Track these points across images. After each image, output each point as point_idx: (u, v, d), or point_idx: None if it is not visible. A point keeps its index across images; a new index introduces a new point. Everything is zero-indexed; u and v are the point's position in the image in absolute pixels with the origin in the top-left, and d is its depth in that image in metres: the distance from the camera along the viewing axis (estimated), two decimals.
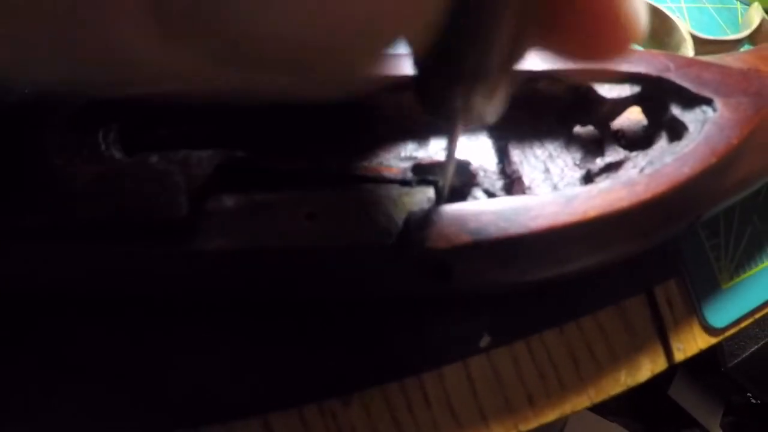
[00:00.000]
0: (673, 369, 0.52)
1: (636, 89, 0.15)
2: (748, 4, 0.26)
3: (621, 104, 0.16)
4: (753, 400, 0.38)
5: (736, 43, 0.21)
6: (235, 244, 0.12)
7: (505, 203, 0.12)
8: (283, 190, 0.13)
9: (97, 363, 0.16)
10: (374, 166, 0.13)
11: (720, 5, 0.26)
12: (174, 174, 0.13)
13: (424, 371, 0.16)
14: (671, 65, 0.16)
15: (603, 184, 0.13)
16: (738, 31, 0.25)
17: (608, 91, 0.15)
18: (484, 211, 0.12)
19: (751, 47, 0.23)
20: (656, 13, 0.20)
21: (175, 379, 0.15)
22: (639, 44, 0.21)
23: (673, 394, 0.39)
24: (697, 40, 0.19)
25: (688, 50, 0.19)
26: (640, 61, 0.16)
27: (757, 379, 0.36)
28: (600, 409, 0.44)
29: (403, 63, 0.14)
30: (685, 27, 0.19)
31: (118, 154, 0.15)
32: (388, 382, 0.16)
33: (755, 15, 0.22)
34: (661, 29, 0.19)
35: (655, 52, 0.16)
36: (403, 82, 0.14)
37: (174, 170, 0.13)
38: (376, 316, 0.16)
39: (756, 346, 0.33)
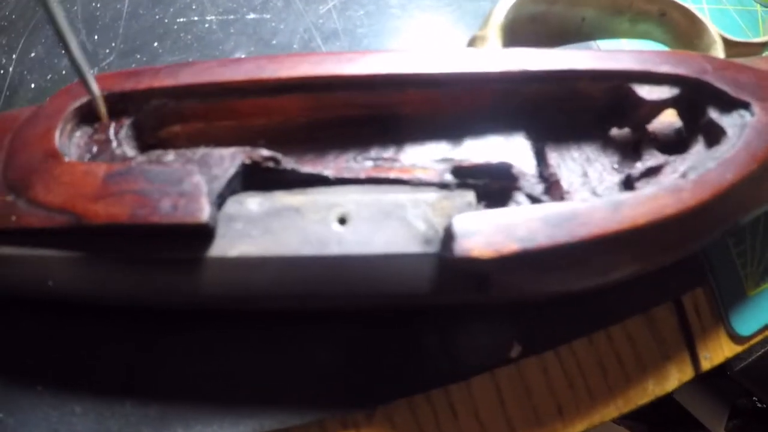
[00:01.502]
0: None
1: (675, 91, 0.15)
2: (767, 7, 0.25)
3: (659, 106, 0.15)
4: (759, 404, 0.38)
5: (763, 46, 0.21)
6: (260, 250, 0.12)
7: (552, 209, 0.11)
8: (311, 191, 0.12)
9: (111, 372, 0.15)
10: (408, 168, 0.13)
11: (740, 7, 0.26)
12: (193, 174, 0.12)
13: (451, 382, 0.15)
14: (709, 67, 0.15)
15: (648, 190, 0.12)
16: (759, 33, 0.25)
17: (648, 92, 0.14)
18: (530, 218, 0.11)
19: None
20: (686, 15, 0.19)
21: (206, 387, 0.14)
22: (668, 45, 0.20)
23: (678, 396, 0.39)
24: (727, 42, 0.19)
25: (719, 52, 0.19)
26: (679, 62, 0.15)
27: (763, 383, 0.36)
28: None
29: (425, 60, 0.13)
30: (715, 29, 0.19)
31: (130, 151, 0.14)
32: (414, 394, 0.15)
33: None
34: (692, 31, 0.19)
35: (691, 53, 0.16)
36: (430, 79, 0.13)
37: (193, 170, 0.12)
38: (403, 326, 0.15)
39: (762, 350, 0.33)
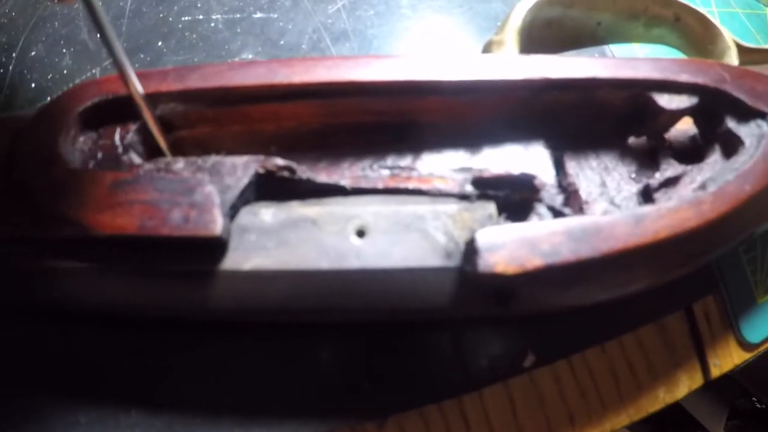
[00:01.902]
0: None
1: (694, 100, 0.14)
2: None
3: (677, 115, 0.15)
4: (758, 405, 0.39)
5: None
6: (275, 263, 0.11)
7: (575, 223, 0.11)
8: (328, 202, 0.12)
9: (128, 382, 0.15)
10: (426, 177, 0.12)
11: (749, 10, 0.25)
12: (204, 184, 0.11)
13: (464, 392, 0.15)
14: (727, 76, 0.15)
15: (670, 203, 0.12)
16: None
17: (668, 101, 0.14)
18: (554, 231, 0.11)
19: None
20: (701, 20, 0.19)
21: (215, 398, 0.14)
22: (682, 50, 0.20)
23: None
24: (741, 48, 0.19)
25: (733, 59, 0.18)
26: (698, 70, 0.15)
27: (762, 383, 0.36)
28: None
29: (443, 66, 0.13)
30: (729, 35, 0.19)
31: (137, 158, 0.13)
32: (426, 404, 0.15)
33: None
34: (706, 37, 0.19)
35: (709, 61, 0.16)
36: (449, 86, 0.13)
37: (204, 179, 0.12)
38: (415, 336, 0.15)
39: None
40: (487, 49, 0.15)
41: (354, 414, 0.15)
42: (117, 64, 0.12)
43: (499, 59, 0.13)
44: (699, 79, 0.15)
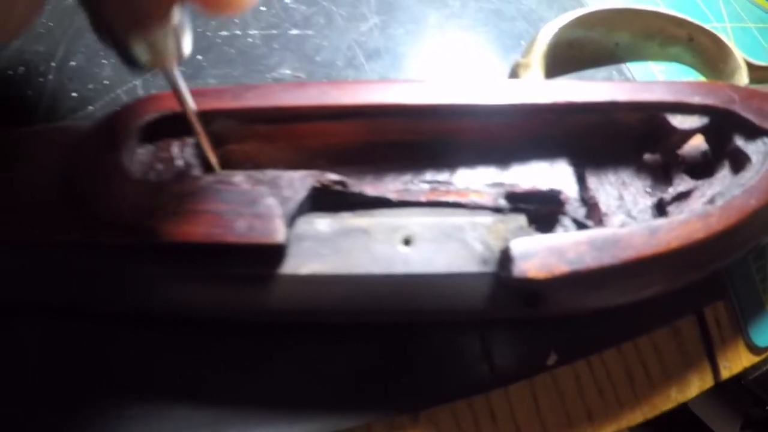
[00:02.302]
0: None
1: (705, 120, 0.17)
2: None
3: (689, 134, 0.17)
4: None
5: None
6: (329, 268, 0.13)
7: (597, 234, 0.13)
8: (377, 213, 0.14)
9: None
10: (464, 191, 0.14)
11: (762, 25, 0.28)
12: (266, 196, 0.14)
13: (491, 389, 0.17)
14: (736, 97, 0.17)
15: (681, 216, 0.14)
16: None
17: (680, 122, 0.16)
18: (579, 242, 0.13)
19: None
20: (714, 40, 0.21)
21: (259, 393, 0.16)
22: (695, 68, 0.22)
23: (691, 405, 0.42)
24: (750, 66, 0.21)
25: (743, 77, 0.21)
26: (708, 92, 0.17)
27: None
28: None
29: (478, 91, 0.15)
30: (740, 54, 0.21)
31: (196, 171, 0.15)
32: (456, 399, 0.17)
33: None
34: (718, 56, 0.21)
35: (720, 83, 0.18)
36: (483, 110, 0.15)
37: (264, 191, 0.14)
38: (447, 336, 0.17)
39: None
40: (515, 70, 0.17)
41: (390, 407, 0.17)
42: (170, 83, 0.14)
43: (527, 84, 0.15)
44: (710, 101, 0.17)
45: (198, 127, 0.14)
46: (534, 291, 0.13)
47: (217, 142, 0.16)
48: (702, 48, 0.21)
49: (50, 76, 0.24)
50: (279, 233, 0.13)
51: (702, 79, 0.22)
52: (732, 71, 0.21)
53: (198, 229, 0.14)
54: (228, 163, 0.16)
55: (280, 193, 0.14)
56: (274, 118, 0.15)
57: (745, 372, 0.32)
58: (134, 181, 0.15)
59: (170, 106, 0.16)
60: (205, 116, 0.15)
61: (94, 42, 0.24)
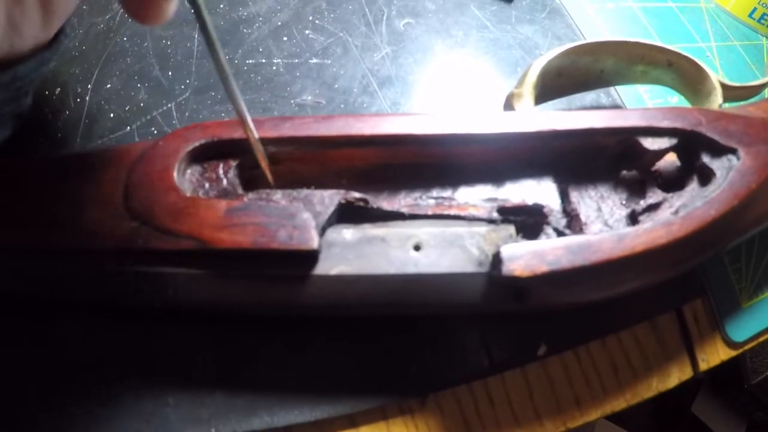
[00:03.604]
0: (698, 385, 0.59)
1: (673, 141, 0.21)
2: None
3: (660, 154, 0.21)
4: None
5: (761, 87, 0.27)
6: (354, 269, 0.18)
7: (572, 240, 0.18)
8: (392, 224, 0.19)
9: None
10: (463, 206, 0.19)
11: (747, 42, 0.32)
12: (302, 211, 0.18)
13: (489, 375, 0.22)
14: (703, 120, 0.22)
15: (646, 224, 0.19)
16: (763, 67, 0.31)
17: (651, 143, 0.21)
18: (557, 247, 0.17)
19: None
20: (692, 64, 0.25)
21: (288, 380, 0.21)
22: (676, 89, 0.26)
23: (696, 410, 0.46)
24: (725, 87, 0.25)
25: (718, 97, 0.25)
26: (677, 117, 0.21)
27: None
28: (626, 423, 0.51)
29: (478, 122, 0.19)
30: (715, 77, 0.25)
31: (239, 188, 0.20)
32: (459, 385, 0.21)
33: None
34: (696, 78, 0.25)
35: (690, 108, 0.22)
36: (481, 138, 0.20)
37: (300, 207, 0.18)
38: (449, 330, 0.21)
39: None
40: (509, 99, 0.22)
41: (401, 393, 0.21)
42: (240, 116, 0.18)
43: (518, 116, 0.19)
44: (678, 124, 0.22)
45: (260, 149, 0.19)
46: (520, 287, 0.17)
47: (256, 164, 0.21)
48: (681, 71, 0.26)
49: (87, 97, 0.28)
50: (314, 241, 0.18)
51: (682, 99, 0.26)
52: (708, 92, 0.25)
53: (246, 238, 0.18)
54: (266, 183, 0.21)
55: (313, 209, 0.18)
56: (307, 144, 0.20)
57: (749, 376, 0.36)
58: (187, 198, 0.19)
59: (214, 133, 0.20)
60: (248, 143, 0.20)
61: (127, 66, 0.29)
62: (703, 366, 0.25)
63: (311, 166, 0.21)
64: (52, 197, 0.21)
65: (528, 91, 0.22)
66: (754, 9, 0.32)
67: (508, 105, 0.22)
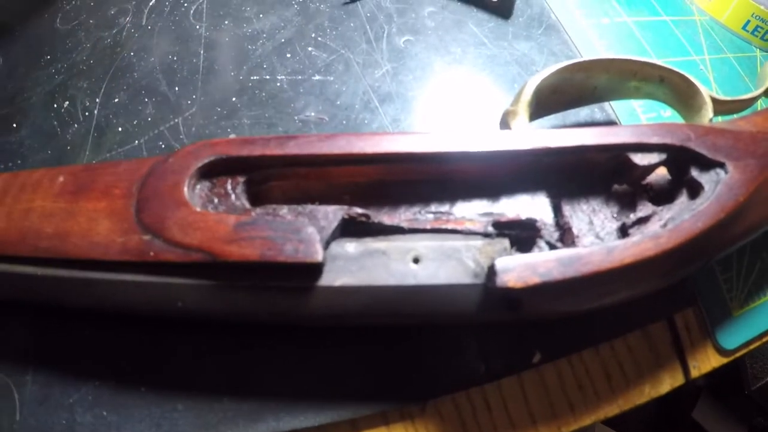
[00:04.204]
0: (698, 391, 0.61)
1: (663, 156, 0.23)
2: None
3: (650, 168, 0.23)
4: None
5: (752, 101, 0.29)
6: (356, 281, 0.20)
7: (563, 253, 0.19)
8: (393, 238, 0.20)
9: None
10: (460, 220, 0.21)
11: (740, 54, 0.34)
12: (307, 225, 0.20)
13: (486, 382, 0.23)
14: (692, 135, 0.24)
15: (635, 237, 0.21)
16: (756, 78, 0.33)
17: (641, 159, 0.22)
18: (548, 259, 0.19)
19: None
20: (683, 79, 0.27)
21: (293, 386, 0.23)
22: (668, 104, 0.28)
23: (696, 416, 0.47)
24: (716, 101, 0.27)
25: (709, 111, 0.27)
26: (666, 133, 0.23)
27: None
28: (627, 429, 0.53)
29: (474, 140, 0.21)
30: (706, 91, 0.27)
31: (246, 203, 0.22)
32: (457, 391, 0.23)
33: None
34: (688, 93, 0.27)
35: (679, 123, 0.24)
36: (478, 156, 0.21)
37: (305, 222, 0.20)
38: (449, 338, 0.23)
39: None
40: (505, 117, 0.23)
41: (402, 399, 0.23)
42: None
43: (512, 134, 0.21)
44: (667, 140, 0.23)
45: None
46: (513, 298, 0.19)
47: (264, 180, 0.23)
48: (673, 86, 0.27)
49: (96, 111, 0.30)
50: (318, 254, 0.19)
51: (674, 113, 0.28)
52: (699, 106, 0.27)
53: (254, 251, 0.20)
54: (272, 198, 0.22)
55: (317, 223, 0.20)
56: (311, 162, 0.22)
57: (749, 382, 0.38)
58: (200, 212, 0.21)
59: (222, 150, 0.22)
60: (255, 161, 0.22)
61: (134, 81, 0.31)
62: (695, 373, 0.26)
63: (315, 182, 0.22)
64: (65, 208, 0.22)
65: (523, 108, 0.23)
66: (748, 21, 0.34)
67: (504, 122, 0.24)
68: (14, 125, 0.30)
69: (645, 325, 0.25)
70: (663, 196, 0.24)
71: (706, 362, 0.27)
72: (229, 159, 0.22)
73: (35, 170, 0.25)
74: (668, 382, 0.26)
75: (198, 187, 0.22)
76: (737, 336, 0.27)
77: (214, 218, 0.21)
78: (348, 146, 0.21)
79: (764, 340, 0.29)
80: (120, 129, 0.29)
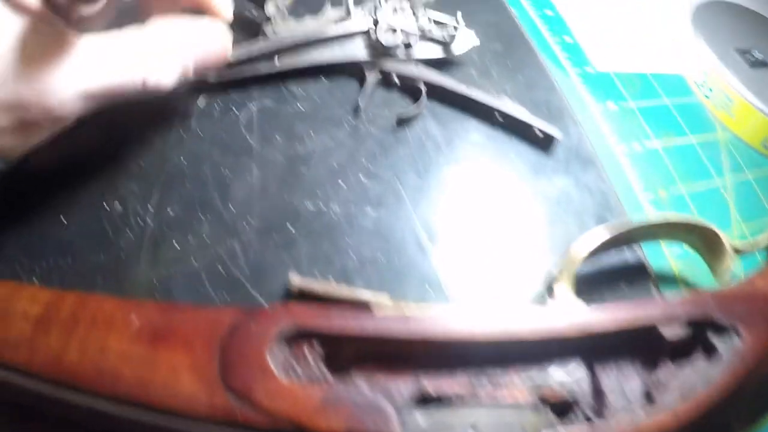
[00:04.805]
0: None
1: (689, 331, 0.27)
2: None
3: (676, 342, 0.27)
4: None
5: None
6: None
7: (594, 428, 0.24)
8: (455, 409, 0.24)
9: None
10: (512, 389, 0.25)
11: (759, 170, 0.38)
12: (387, 405, 0.23)
13: None
14: (711, 303, 0.28)
15: (656, 408, 0.25)
16: None
17: (668, 332, 0.26)
18: None
19: None
20: (711, 232, 0.31)
21: None
22: (695, 248, 0.32)
23: None
24: (735, 249, 0.31)
25: (730, 261, 0.31)
26: (691, 306, 0.27)
27: None
28: None
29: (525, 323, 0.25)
30: (728, 240, 0.31)
31: (326, 372, 0.25)
32: None
33: None
34: (713, 241, 0.31)
35: (700, 291, 0.28)
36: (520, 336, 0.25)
37: (382, 400, 0.23)
38: None
39: None
40: (549, 279, 0.27)
41: None
42: None
43: (558, 315, 0.25)
44: (692, 313, 0.27)
45: None
46: None
47: (340, 349, 0.25)
48: (699, 234, 0.31)
49: (149, 220, 0.31)
50: (396, 429, 0.23)
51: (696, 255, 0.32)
52: (722, 253, 0.31)
53: (340, 424, 0.23)
54: (342, 364, 0.25)
55: (392, 399, 0.24)
56: (386, 342, 0.25)
57: None
58: (283, 383, 0.24)
59: (300, 321, 0.25)
60: (334, 339, 0.25)
61: (187, 192, 0.32)
62: None
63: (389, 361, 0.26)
64: (144, 355, 0.25)
65: (567, 277, 0.27)
66: (766, 137, 0.38)
67: (548, 285, 0.27)
68: (61, 217, 0.31)
69: None
70: (680, 352, 0.29)
71: None
72: (309, 330, 0.25)
73: (104, 299, 0.26)
74: None
75: (277, 349, 0.25)
76: None
77: (300, 390, 0.24)
78: (421, 332, 0.24)
79: None
80: (175, 242, 0.30)
